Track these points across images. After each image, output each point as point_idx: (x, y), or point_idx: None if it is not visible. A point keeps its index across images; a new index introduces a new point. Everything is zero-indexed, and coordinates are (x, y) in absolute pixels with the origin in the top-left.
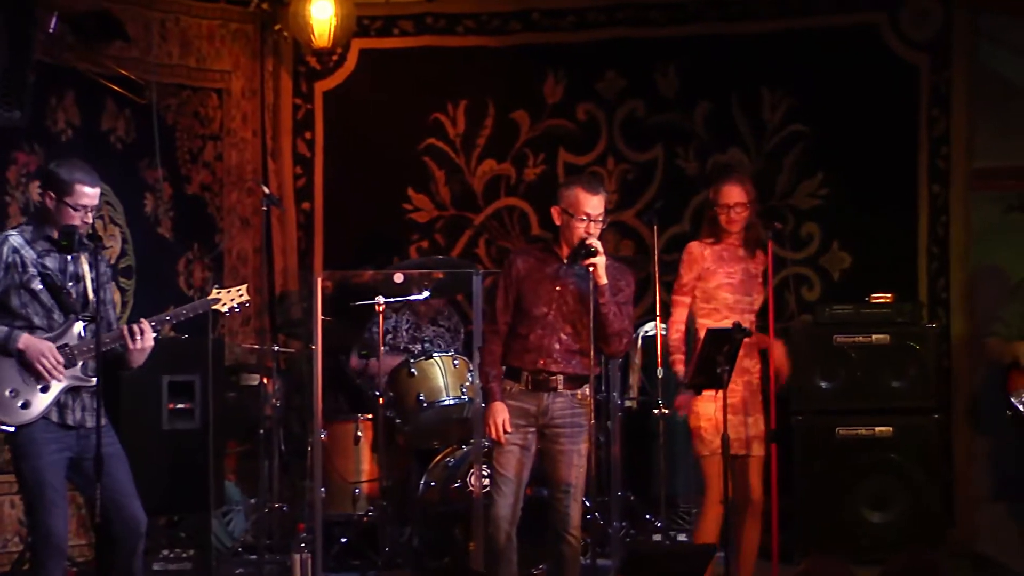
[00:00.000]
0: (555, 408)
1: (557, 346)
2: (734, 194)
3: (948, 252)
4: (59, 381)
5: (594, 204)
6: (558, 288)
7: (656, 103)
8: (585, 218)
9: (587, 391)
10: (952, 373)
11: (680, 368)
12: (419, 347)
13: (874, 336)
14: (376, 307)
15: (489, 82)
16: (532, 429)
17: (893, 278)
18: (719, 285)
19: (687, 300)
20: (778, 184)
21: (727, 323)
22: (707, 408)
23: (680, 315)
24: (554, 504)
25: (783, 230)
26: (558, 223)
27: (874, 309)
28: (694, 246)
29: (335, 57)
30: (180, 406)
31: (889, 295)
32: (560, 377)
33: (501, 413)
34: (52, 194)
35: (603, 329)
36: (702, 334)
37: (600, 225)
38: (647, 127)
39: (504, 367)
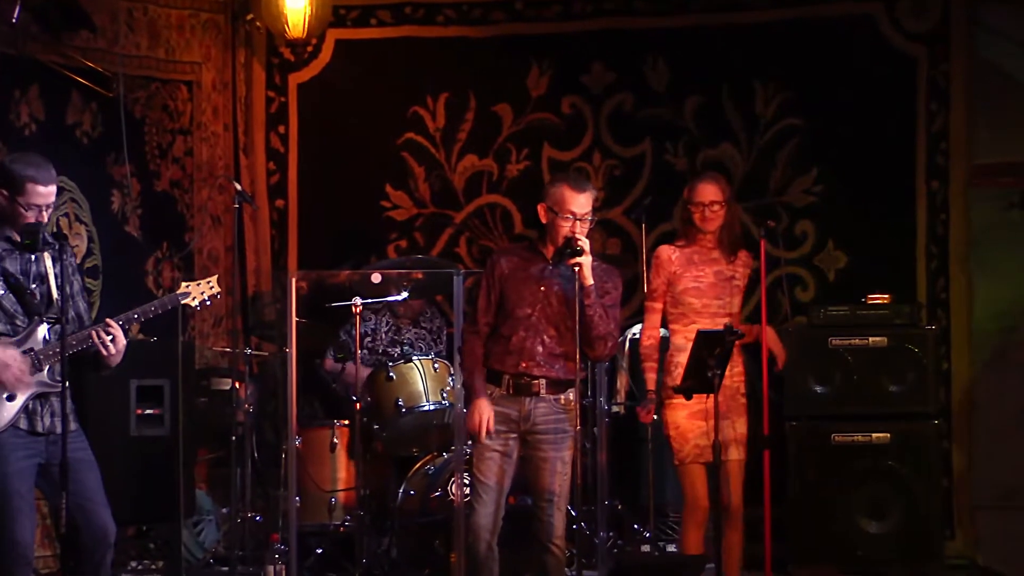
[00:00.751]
0: (538, 413)
1: (540, 349)
2: (709, 192)
3: (947, 251)
4: (25, 389)
5: (580, 202)
6: (542, 289)
7: (644, 96)
8: (571, 216)
9: (571, 396)
10: (952, 377)
11: (651, 376)
12: (398, 350)
13: (871, 338)
14: (353, 309)
15: (470, 74)
16: (514, 435)
17: (890, 278)
18: (685, 289)
19: (659, 306)
20: (771, 180)
21: (696, 327)
22: (675, 416)
23: (653, 321)
24: (537, 513)
25: (776, 228)
26: (544, 221)
27: (871, 310)
28: (662, 250)
29: (310, 48)
30: (149, 411)
31: (886, 296)
32: (543, 381)
33: (487, 410)
34: (5, 192)
35: (588, 332)
36: (675, 340)
37: (587, 224)
38: (635, 121)
39: (485, 370)
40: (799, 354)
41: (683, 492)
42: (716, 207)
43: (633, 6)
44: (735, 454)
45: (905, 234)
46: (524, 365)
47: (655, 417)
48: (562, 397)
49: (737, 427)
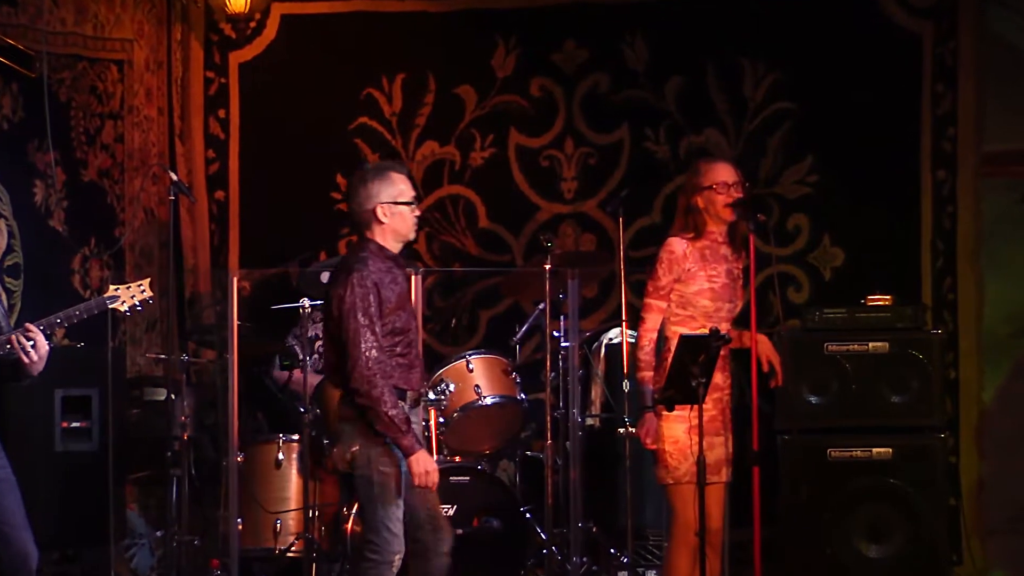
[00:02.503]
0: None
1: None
2: (730, 171)
3: (955, 247)
4: None
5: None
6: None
7: (621, 77)
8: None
9: None
10: (960, 386)
11: (649, 387)
12: None
13: (871, 344)
14: (301, 310)
15: (430, 53)
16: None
17: (892, 277)
18: (699, 290)
19: (663, 305)
20: (761, 169)
21: (703, 330)
22: (675, 430)
23: (654, 322)
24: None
25: (766, 222)
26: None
27: (871, 313)
28: (676, 243)
29: (253, 24)
30: (75, 425)
31: (888, 297)
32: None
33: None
34: None
35: None
36: (673, 344)
37: None
38: (611, 105)
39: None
40: (792, 361)
41: (673, 513)
42: (738, 189)
43: None
44: (727, 475)
45: (908, 229)
46: (421, 385)
47: (620, 431)
48: None
49: (729, 444)
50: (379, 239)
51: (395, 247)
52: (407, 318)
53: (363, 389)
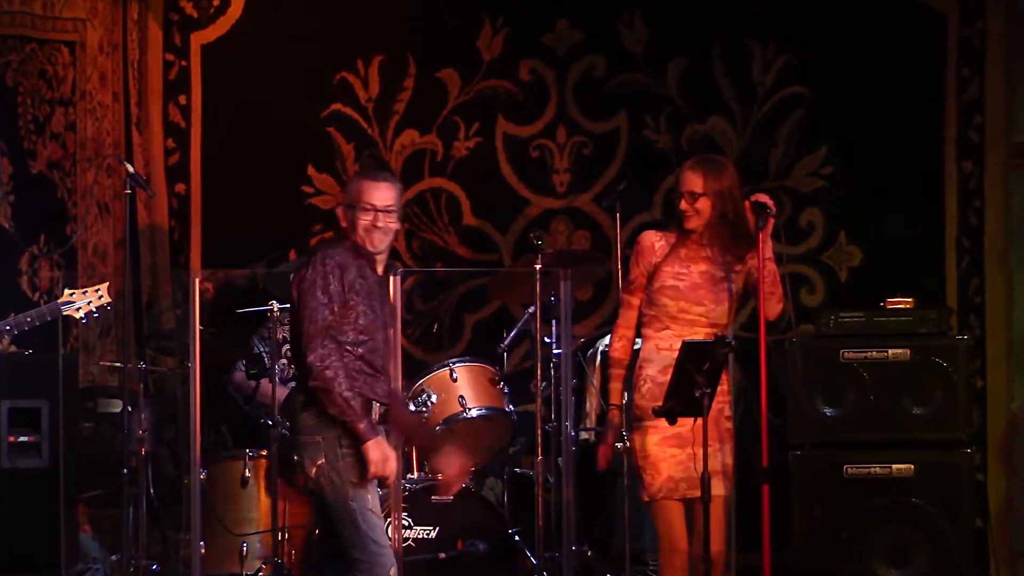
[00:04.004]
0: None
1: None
2: (690, 181)
3: (982, 245)
4: None
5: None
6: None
7: (619, 60)
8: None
9: None
10: (988, 396)
11: (615, 387)
12: None
13: (891, 351)
14: (269, 314)
15: (409, 33)
16: None
17: (914, 278)
18: (660, 287)
19: (636, 301)
20: (772, 161)
21: (669, 334)
22: (645, 441)
23: (628, 318)
24: None
25: (777, 218)
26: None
27: (891, 317)
28: (646, 236)
29: (216, 2)
30: (23, 439)
31: (909, 299)
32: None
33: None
34: None
35: None
36: (645, 348)
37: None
38: (607, 90)
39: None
40: (805, 370)
41: (658, 534)
42: (700, 200)
43: None
44: (717, 489)
45: (932, 225)
46: (388, 396)
47: (618, 447)
48: None
49: (724, 455)
50: (356, 238)
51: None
52: (373, 319)
53: (316, 368)
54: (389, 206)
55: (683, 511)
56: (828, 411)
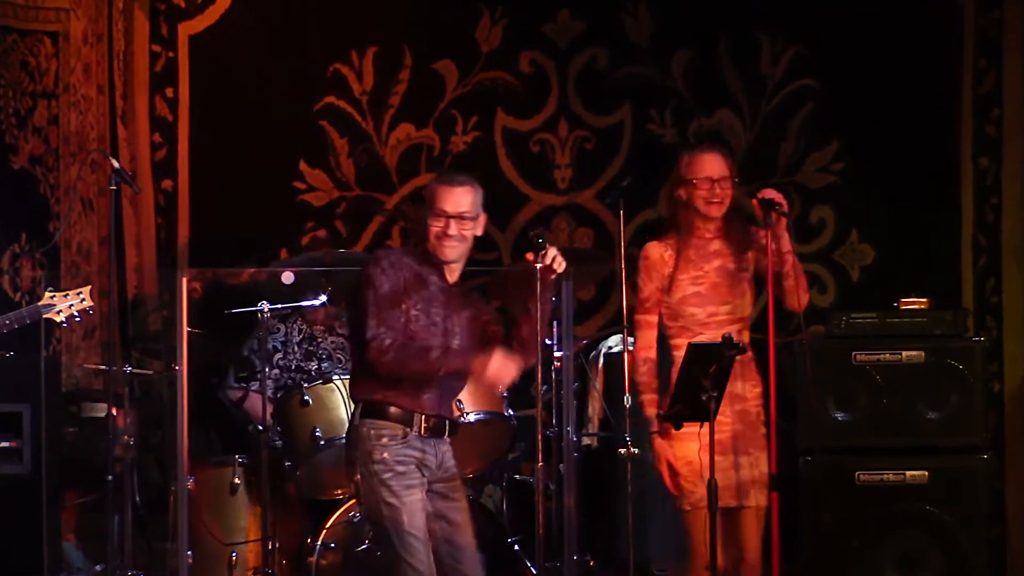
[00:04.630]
0: (447, 458)
1: (454, 391)
2: (716, 164)
3: (999, 244)
4: None
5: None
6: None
7: (622, 51)
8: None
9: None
10: (1006, 400)
11: (652, 411)
12: (314, 366)
13: (904, 353)
14: (259, 316)
15: (405, 24)
16: (427, 483)
17: (928, 278)
18: (683, 298)
19: (653, 319)
20: (781, 156)
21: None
22: (688, 448)
23: (647, 339)
24: None
25: (787, 215)
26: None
27: (904, 318)
28: (652, 249)
29: None
30: (4, 444)
31: (923, 300)
32: (449, 424)
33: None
34: None
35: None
36: (678, 359)
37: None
38: (611, 82)
39: (388, 404)
40: (815, 372)
41: (690, 545)
42: (725, 184)
43: None
44: (756, 499)
45: (947, 223)
46: (441, 407)
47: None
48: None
49: (759, 464)
50: (428, 246)
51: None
52: (426, 326)
53: (380, 360)
54: (463, 212)
55: (720, 520)
56: (839, 415)
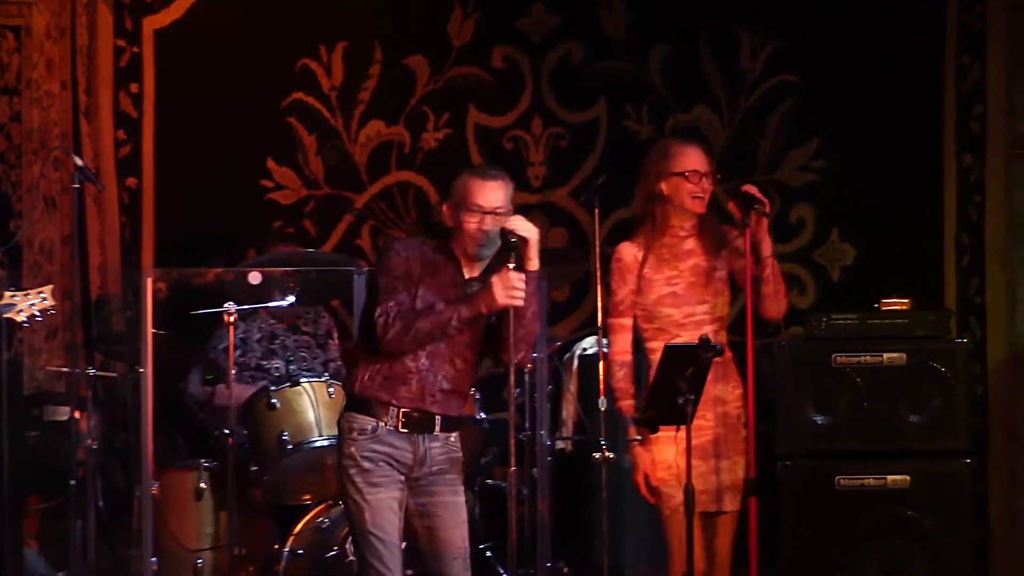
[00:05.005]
0: (434, 453)
1: (445, 384)
2: (699, 158)
3: (983, 243)
4: None
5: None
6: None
7: (598, 46)
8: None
9: (457, 436)
10: (989, 404)
11: (629, 415)
12: (279, 365)
13: (886, 355)
14: (225, 316)
15: (375, 18)
16: (402, 481)
17: (910, 277)
18: (658, 299)
19: (628, 322)
20: (760, 153)
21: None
22: (666, 453)
23: (623, 343)
24: None
25: (765, 214)
26: (450, 223)
27: (886, 319)
28: (624, 250)
29: None
30: None
31: (905, 300)
32: (439, 418)
33: None
34: None
35: (519, 332)
36: (654, 361)
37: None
38: (586, 78)
39: (364, 398)
40: (795, 375)
41: (670, 550)
42: (708, 180)
43: None
44: (731, 504)
45: (929, 221)
46: (422, 401)
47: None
48: (453, 436)
49: (736, 469)
50: (462, 240)
51: (463, 255)
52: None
53: (386, 332)
54: (498, 208)
55: (701, 525)
56: (819, 419)
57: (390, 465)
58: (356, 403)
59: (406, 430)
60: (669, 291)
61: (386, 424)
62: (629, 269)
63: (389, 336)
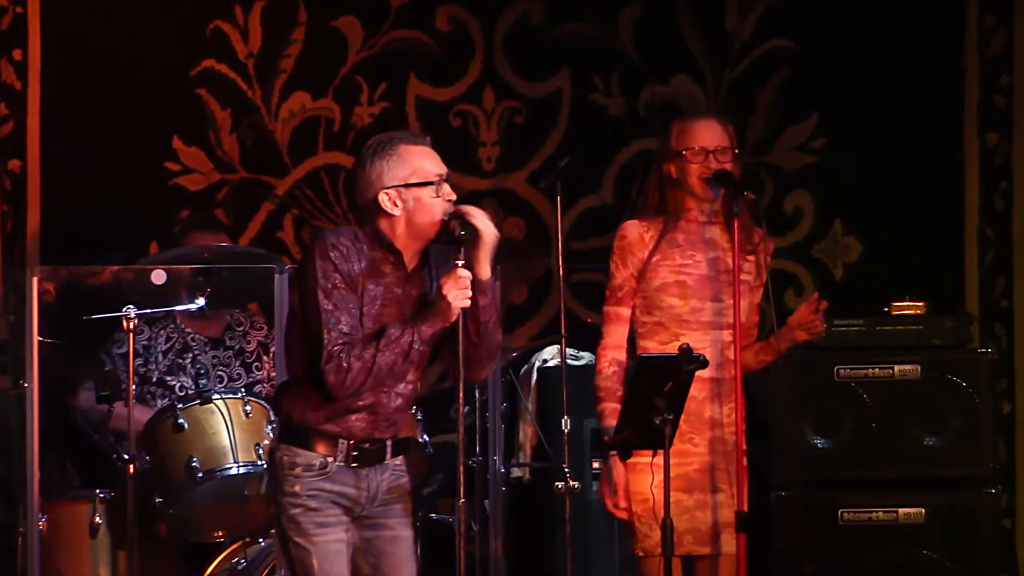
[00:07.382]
0: (382, 484)
1: (398, 401)
2: (713, 132)
3: (1010, 237)
4: None
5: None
6: (405, 310)
7: (560, 6)
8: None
9: (403, 459)
10: (1017, 424)
11: (612, 423)
12: (185, 383)
13: (897, 367)
14: (124, 322)
15: None
16: (347, 519)
17: (926, 277)
18: (662, 285)
19: (625, 312)
20: (750, 131)
21: (674, 346)
22: (641, 483)
23: (615, 337)
24: None
25: (756, 202)
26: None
27: (897, 325)
28: (630, 227)
29: None
30: None
31: (919, 303)
32: (389, 443)
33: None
34: None
35: (479, 346)
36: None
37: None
38: (546, 43)
39: (305, 428)
40: (791, 391)
41: None
42: (724, 157)
43: None
44: (728, 545)
45: (947, 212)
46: (375, 429)
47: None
48: (398, 459)
49: (734, 502)
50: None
51: (411, 245)
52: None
53: (342, 388)
54: (443, 175)
55: (682, 569)
56: (820, 442)
57: (338, 505)
58: (294, 434)
59: (356, 464)
60: (676, 279)
61: (335, 460)
62: (632, 249)
63: (347, 384)
